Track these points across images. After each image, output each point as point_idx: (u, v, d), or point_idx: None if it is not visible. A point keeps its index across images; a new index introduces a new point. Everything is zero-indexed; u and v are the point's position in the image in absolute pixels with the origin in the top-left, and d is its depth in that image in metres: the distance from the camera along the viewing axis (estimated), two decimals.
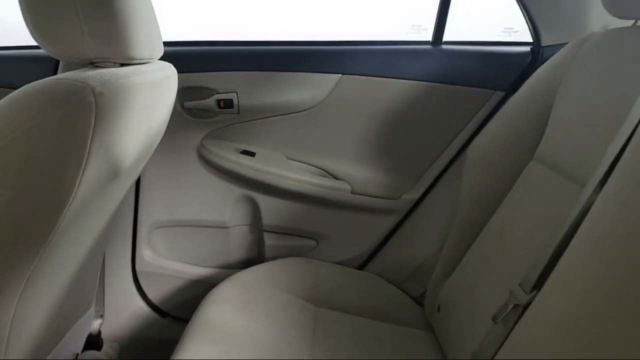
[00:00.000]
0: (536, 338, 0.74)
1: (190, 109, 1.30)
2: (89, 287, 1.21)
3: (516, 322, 0.81)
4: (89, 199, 0.80)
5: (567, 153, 0.94)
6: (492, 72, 1.26)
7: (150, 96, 0.89)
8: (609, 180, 0.72)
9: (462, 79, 1.26)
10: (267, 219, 1.38)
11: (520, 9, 1.21)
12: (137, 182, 1.36)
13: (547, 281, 0.76)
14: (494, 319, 0.87)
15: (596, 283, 0.65)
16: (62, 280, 0.97)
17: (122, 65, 0.84)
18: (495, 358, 0.82)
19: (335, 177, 1.35)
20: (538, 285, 0.79)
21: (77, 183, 0.72)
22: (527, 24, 1.23)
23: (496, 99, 1.25)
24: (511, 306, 0.84)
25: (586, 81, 0.96)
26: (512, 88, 1.20)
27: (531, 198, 1.00)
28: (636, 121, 0.73)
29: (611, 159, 0.75)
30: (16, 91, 0.70)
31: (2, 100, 0.70)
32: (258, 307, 1.09)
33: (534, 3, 1.20)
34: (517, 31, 1.25)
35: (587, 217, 0.72)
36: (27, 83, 0.73)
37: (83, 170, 0.72)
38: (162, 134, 1.06)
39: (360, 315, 1.16)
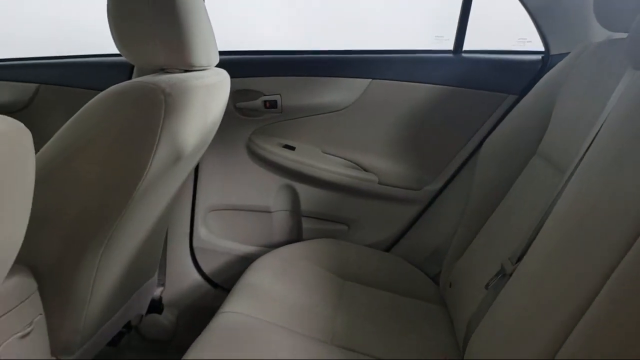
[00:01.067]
0: (512, 299, 0.90)
1: (241, 109, 1.51)
2: (153, 257, 1.43)
3: (502, 289, 0.96)
4: (157, 178, 1.02)
5: (559, 148, 1.08)
6: (506, 78, 1.40)
7: (206, 96, 1.09)
8: (578, 167, 0.87)
9: (480, 83, 1.42)
10: (305, 205, 1.57)
11: (532, 21, 1.35)
12: (196, 170, 1.58)
13: (526, 253, 0.92)
14: (486, 286, 1.03)
15: (557, 252, 0.81)
16: (132, 247, 1.19)
17: (185, 71, 1.05)
18: (484, 318, 0.98)
19: (365, 170, 1.52)
20: (521, 257, 0.95)
21: (149, 163, 0.93)
22: (539, 34, 1.37)
23: (509, 102, 1.39)
24: (500, 276, 1.00)
25: (580, 86, 1.10)
26: (524, 92, 1.34)
27: (529, 187, 1.15)
28: (604, 119, 0.88)
29: (583, 151, 0.90)
30: (104, 91, 0.92)
31: (94, 99, 0.92)
32: (293, 276, 1.28)
33: (544, 16, 1.34)
34: (531, 41, 1.39)
35: (559, 199, 0.88)
36: (107, 85, 0.95)
37: (154, 154, 0.93)
38: (216, 128, 1.27)
39: (382, 289, 1.33)
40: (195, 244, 1.62)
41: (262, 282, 1.23)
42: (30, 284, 0.93)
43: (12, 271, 0.91)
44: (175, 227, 1.60)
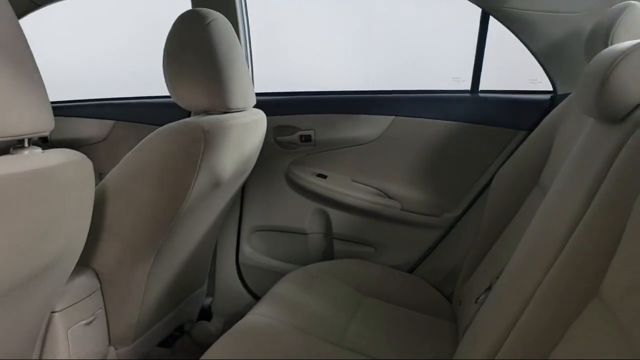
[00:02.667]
0: (482, 310, 1.03)
1: (280, 142, 1.72)
2: (201, 269, 1.65)
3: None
4: (199, 200, 1.24)
5: (551, 179, 1.21)
6: (517, 115, 1.53)
7: (242, 133, 1.31)
8: (545, 197, 1.00)
9: (494, 120, 1.55)
10: (336, 228, 1.75)
11: (539, 63, 1.48)
12: (242, 195, 1.80)
13: (502, 271, 1.06)
14: (476, 301, 1.16)
15: (512, 268, 0.95)
16: (180, 258, 1.41)
17: (224, 112, 1.27)
18: (467, 329, 1.11)
19: (389, 197, 1.68)
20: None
21: (191, 187, 1.15)
22: (547, 75, 1.49)
23: (520, 137, 1.52)
24: (487, 291, 1.13)
25: (571, 124, 1.23)
26: (532, 128, 1.46)
27: (527, 215, 1.27)
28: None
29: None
30: (159, 129, 1.15)
31: (150, 134, 1.16)
32: (317, 289, 1.45)
33: (549, 59, 1.47)
34: (541, 82, 1.51)
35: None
36: (168, 122, 1.18)
37: (195, 180, 1.15)
38: (254, 159, 1.48)
39: (398, 305, 1.47)
40: (240, 260, 1.83)
41: (288, 292, 1.41)
42: (94, 283, 1.17)
43: (80, 272, 1.15)
44: (223, 245, 1.82)
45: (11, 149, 0.78)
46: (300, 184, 1.73)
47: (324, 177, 1.72)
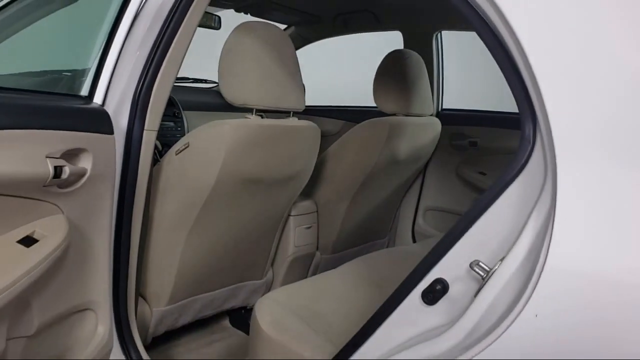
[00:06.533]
0: None
1: (454, 145, 2.33)
2: (382, 222, 2.35)
3: None
4: (381, 169, 1.95)
5: None
6: None
7: (415, 130, 1.98)
8: None
9: None
10: None
11: None
12: (422, 182, 2.45)
13: None
14: None
15: None
16: (366, 210, 2.12)
17: (406, 115, 1.96)
18: None
19: None
20: None
21: (376, 158, 1.87)
22: None
23: None
24: None
25: None
26: None
27: None
28: None
29: None
30: (363, 122, 1.90)
31: (360, 124, 1.91)
32: None
33: None
34: None
35: None
36: None
37: (379, 155, 1.86)
38: (426, 153, 2.14)
39: None
40: (415, 229, 2.48)
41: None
42: (313, 207, 1.98)
43: (306, 199, 1.96)
44: (403, 216, 2.50)
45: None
46: (465, 178, 2.32)
47: (484, 174, 2.27)
